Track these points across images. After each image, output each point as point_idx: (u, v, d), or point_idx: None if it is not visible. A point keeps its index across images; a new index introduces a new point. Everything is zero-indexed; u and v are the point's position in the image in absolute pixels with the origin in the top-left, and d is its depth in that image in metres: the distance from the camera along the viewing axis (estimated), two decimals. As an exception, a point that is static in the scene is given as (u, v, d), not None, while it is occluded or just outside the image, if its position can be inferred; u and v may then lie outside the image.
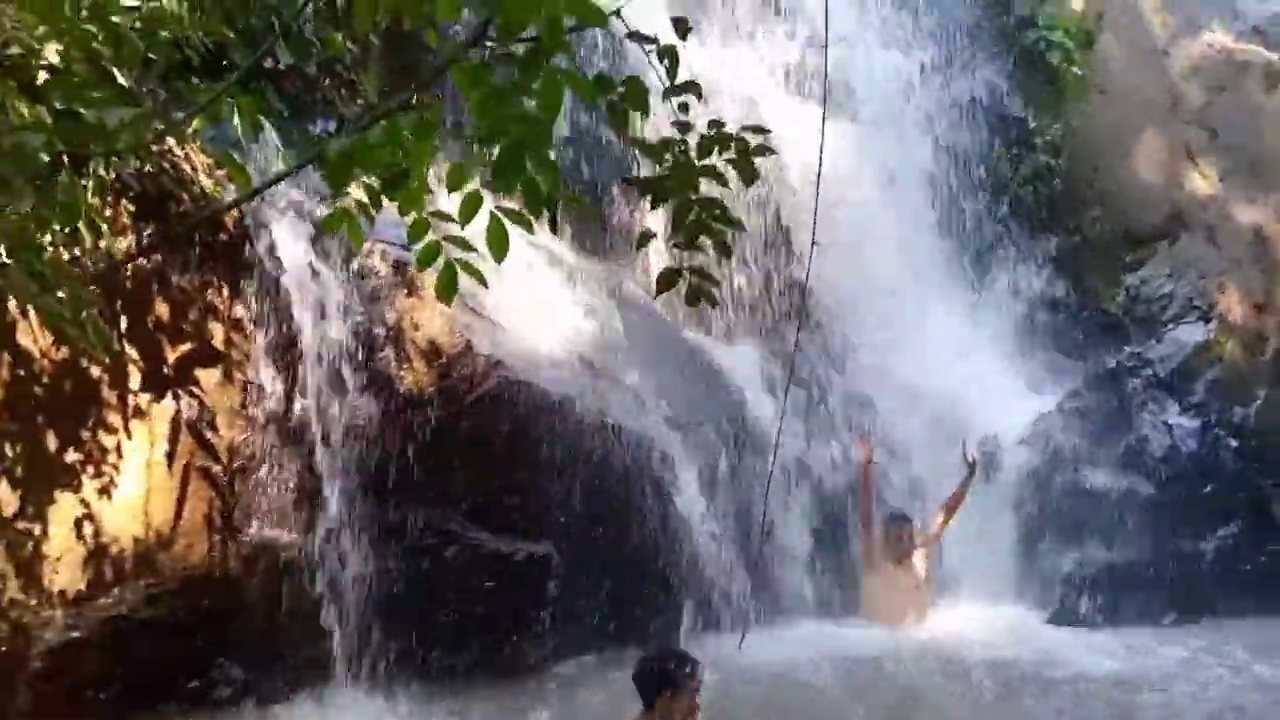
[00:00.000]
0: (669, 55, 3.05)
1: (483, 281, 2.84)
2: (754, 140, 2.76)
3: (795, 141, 8.56)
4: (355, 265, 5.71)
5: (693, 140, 2.90)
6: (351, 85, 6.89)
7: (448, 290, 2.70)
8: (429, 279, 5.77)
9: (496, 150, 2.47)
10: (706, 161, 2.92)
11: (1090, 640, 6.32)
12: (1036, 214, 10.12)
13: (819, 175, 4.40)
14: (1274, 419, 10.15)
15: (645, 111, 2.89)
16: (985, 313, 9.28)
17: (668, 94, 3.07)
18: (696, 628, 6.27)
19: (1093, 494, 7.13)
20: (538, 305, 6.61)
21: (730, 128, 3.17)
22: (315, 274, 5.53)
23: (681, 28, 3.17)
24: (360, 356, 5.61)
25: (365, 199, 2.92)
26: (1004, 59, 10.65)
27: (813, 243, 5.83)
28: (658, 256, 7.83)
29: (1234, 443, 7.36)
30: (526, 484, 5.97)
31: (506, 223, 2.76)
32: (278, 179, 4.62)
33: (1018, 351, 8.99)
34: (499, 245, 2.69)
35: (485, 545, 5.75)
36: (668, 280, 2.97)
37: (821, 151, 5.34)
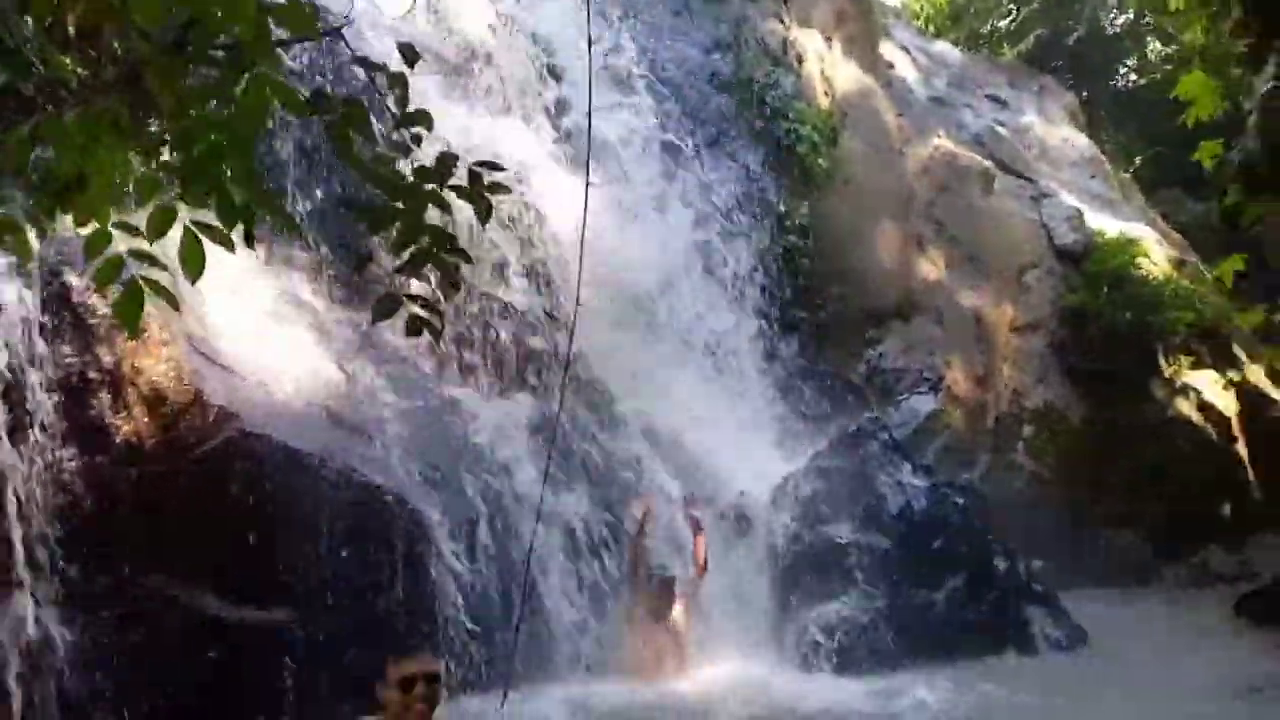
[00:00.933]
0: (399, 83, 2.99)
1: (173, 303, 2.58)
2: (490, 177, 2.71)
3: (564, 207, 8.81)
4: (71, 300, 5.18)
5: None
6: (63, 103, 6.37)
7: (129, 313, 2.41)
8: (155, 321, 5.38)
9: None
10: (430, 187, 2.84)
11: (837, 685, 6.57)
12: (786, 290, 10.76)
13: (583, 231, 4.47)
14: (994, 481, 11.20)
15: (368, 136, 2.80)
16: (739, 377, 9.67)
17: (399, 124, 3.00)
18: (456, 690, 5.96)
19: (837, 549, 7.47)
20: (282, 355, 6.25)
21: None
22: (21, 317, 4.97)
23: (409, 55, 3.12)
24: (69, 402, 5.06)
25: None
26: (757, 148, 11.38)
27: (577, 300, 5.87)
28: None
29: (959, 500, 7.95)
30: (262, 546, 5.53)
31: (208, 246, 2.53)
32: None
33: (769, 414, 9.42)
34: (193, 262, 2.47)
35: (210, 611, 5.25)
36: (385, 310, 2.83)
37: (585, 212, 5.42)
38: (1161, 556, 11.46)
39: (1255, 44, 5.68)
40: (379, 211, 2.98)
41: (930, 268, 12.62)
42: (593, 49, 9.58)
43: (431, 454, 6.69)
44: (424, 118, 3.02)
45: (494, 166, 2.79)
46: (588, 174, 4.10)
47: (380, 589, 5.94)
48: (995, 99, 18.64)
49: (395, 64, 3.14)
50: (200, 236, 2.52)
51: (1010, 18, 25.12)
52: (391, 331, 7.49)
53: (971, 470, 11.12)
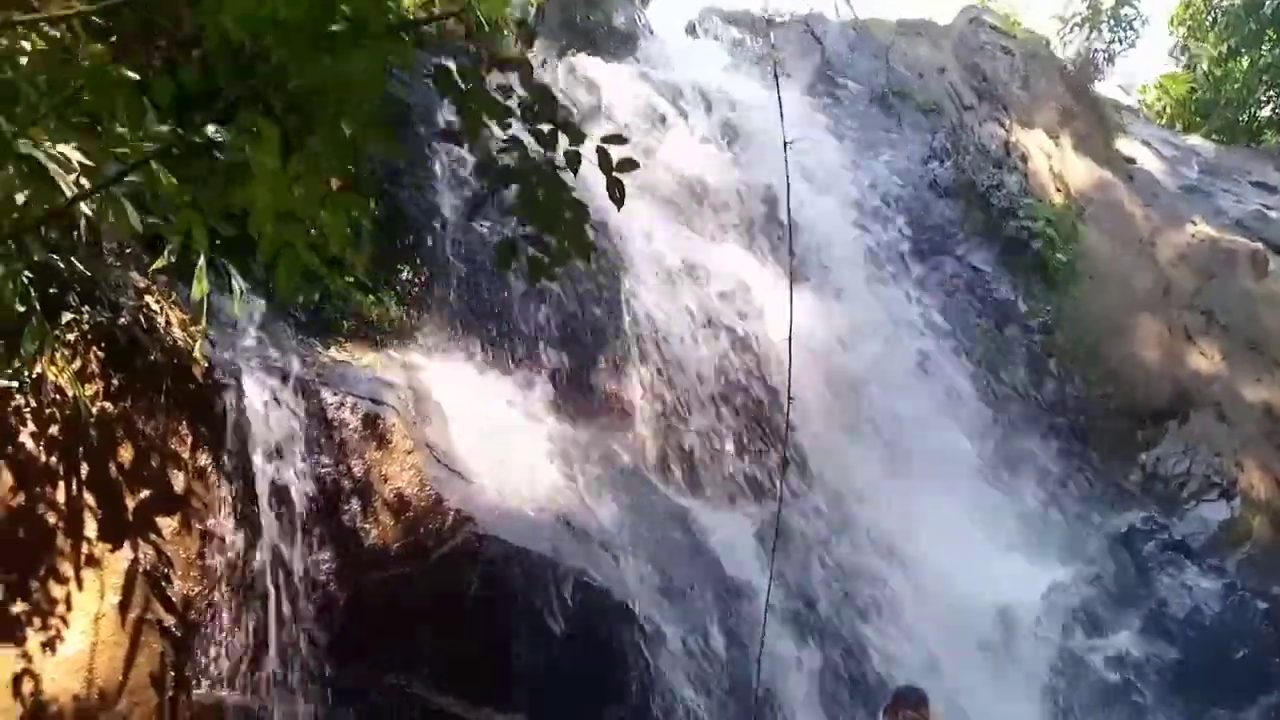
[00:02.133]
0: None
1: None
2: (617, 152, 2.81)
3: (784, 314, 8.82)
4: (327, 417, 5.70)
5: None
6: (339, 262, 7.17)
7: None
8: (399, 432, 5.80)
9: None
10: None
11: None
12: (1035, 391, 10.06)
13: (790, 335, 4.48)
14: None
15: (495, 115, 2.97)
16: (988, 485, 9.01)
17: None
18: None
19: (1118, 663, 6.59)
20: (515, 464, 6.51)
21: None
22: (283, 426, 5.52)
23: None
24: (324, 509, 5.48)
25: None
26: (988, 249, 10.98)
27: (788, 398, 5.79)
28: (644, 426, 7.81)
29: (1265, 606, 6.85)
30: (497, 646, 5.64)
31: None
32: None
33: (1025, 523, 8.65)
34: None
35: (450, 711, 5.35)
36: (505, 257, 2.99)
37: (792, 315, 5.41)
38: None
39: None
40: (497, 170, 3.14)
41: (1204, 360, 11.42)
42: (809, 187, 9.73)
43: (660, 561, 6.65)
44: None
45: (619, 139, 2.89)
46: (791, 260, 4.11)
47: (609, 694, 5.85)
48: (1262, 185, 17.13)
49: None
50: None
51: (1272, 105, 23.34)
52: (623, 446, 7.69)
53: (1283, 583, 9.61)
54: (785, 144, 6.37)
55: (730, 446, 8.01)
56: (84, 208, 4.11)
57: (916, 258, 10.57)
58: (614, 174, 2.91)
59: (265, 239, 2.62)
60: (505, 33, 11.02)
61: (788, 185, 6.16)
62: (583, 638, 5.85)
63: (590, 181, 8.64)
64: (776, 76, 9.56)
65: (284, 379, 5.68)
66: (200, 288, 4.88)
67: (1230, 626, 6.67)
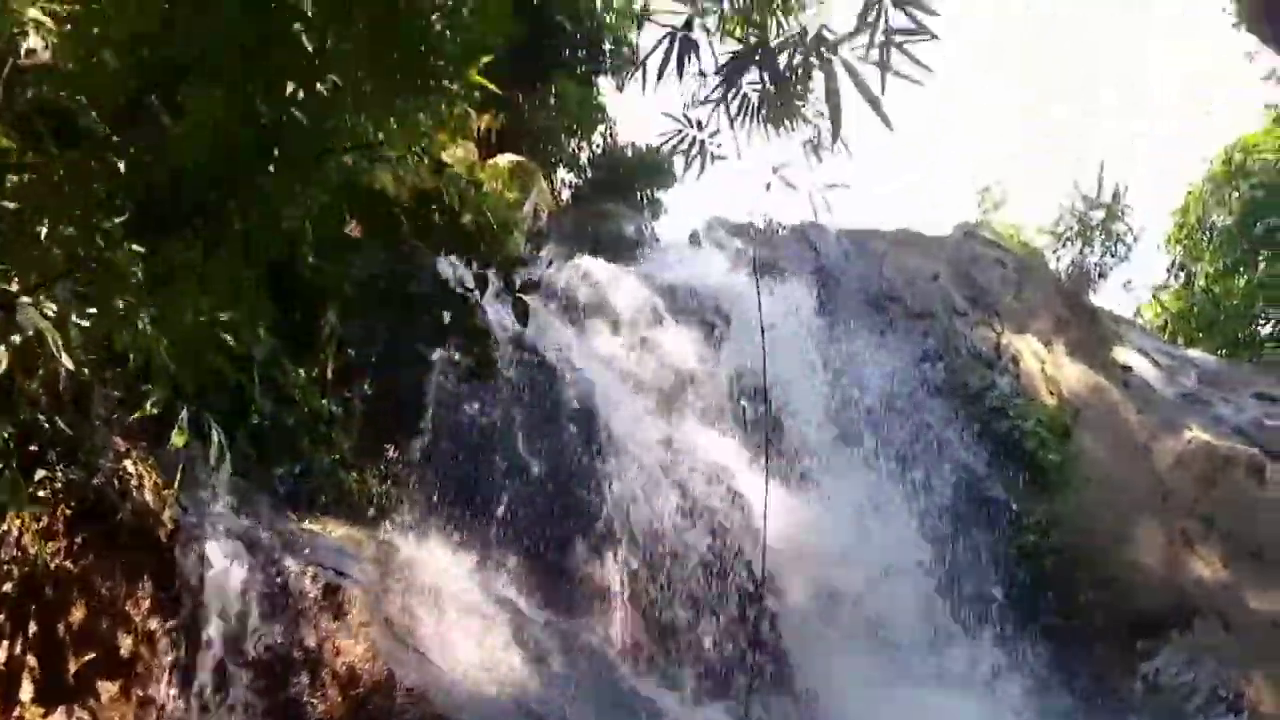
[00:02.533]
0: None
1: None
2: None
3: (774, 515, 8.83)
4: (287, 585, 5.71)
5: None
6: (328, 440, 7.38)
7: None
8: (359, 603, 5.80)
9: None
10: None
11: None
12: (1029, 594, 9.84)
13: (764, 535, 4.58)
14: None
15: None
16: (977, 692, 8.67)
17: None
18: None
19: None
20: (479, 648, 6.41)
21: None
22: (240, 594, 5.54)
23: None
24: (272, 680, 5.40)
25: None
26: (979, 449, 11.05)
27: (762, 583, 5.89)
28: (619, 613, 7.70)
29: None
30: (443, 836, 5.38)
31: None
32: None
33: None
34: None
35: None
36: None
37: (766, 514, 5.54)
38: None
39: None
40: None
41: (1205, 568, 11.17)
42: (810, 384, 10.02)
43: (626, 755, 6.40)
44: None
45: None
46: (766, 443, 4.27)
47: None
48: (1265, 396, 17.25)
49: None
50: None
51: (1274, 321, 23.84)
52: (594, 634, 7.57)
53: (1305, 812, 9.00)
54: (763, 331, 6.65)
55: (708, 639, 7.84)
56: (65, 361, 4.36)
57: (908, 458, 10.63)
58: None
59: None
60: (515, 235, 11.72)
61: (764, 370, 6.38)
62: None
63: (581, 369, 8.85)
64: (756, 267, 9.98)
65: (250, 546, 5.75)
66: (179, 437, 5.06)
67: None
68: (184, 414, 5.74)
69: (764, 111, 5.06)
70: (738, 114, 4.93)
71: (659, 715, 7.02)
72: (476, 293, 8.55)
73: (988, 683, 8.87)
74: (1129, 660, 10.05)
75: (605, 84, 16.46)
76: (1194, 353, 19.43)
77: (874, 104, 4.47)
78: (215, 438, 5.69)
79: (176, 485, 5.59)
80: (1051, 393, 12.49)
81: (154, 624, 5.22)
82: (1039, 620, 9.81)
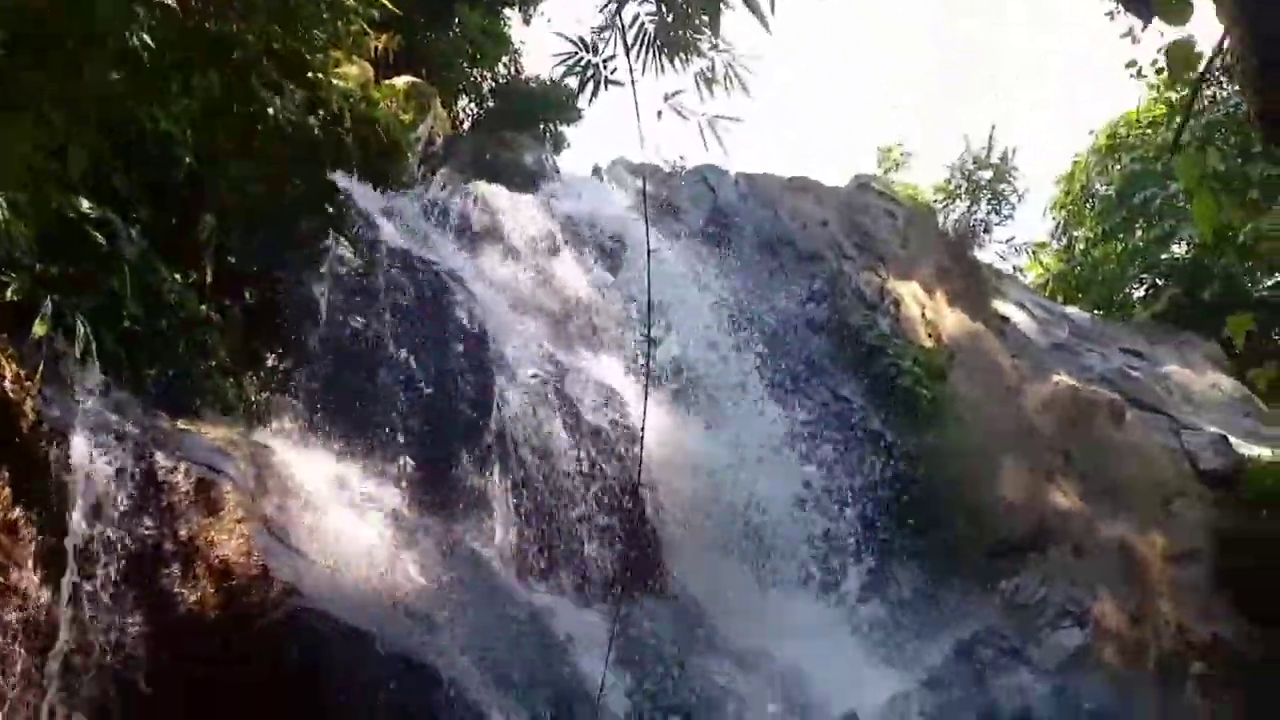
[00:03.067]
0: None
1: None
2: None
3: (657, 432, 9.06)
4: (157, 479, 5.66)
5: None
6: (205, 346, 7.25)
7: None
8: (233, 499, 5.79)
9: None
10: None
11: None
12: (898, 518, 10.35)
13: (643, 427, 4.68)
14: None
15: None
16: (847, 603, 9.14)
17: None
18: None
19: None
20: (358, 549, 6.47)
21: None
22: (107, 486, 5.47)
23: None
24: (142, 572, 5.37)
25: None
26: (858, 382, 11.49)
27: (637, 481, 6.04)
28: (505, 521, 7.85)
29: (1091, 706, 7.02)
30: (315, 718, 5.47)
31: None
32: None
33: (882, 637, 8.77)
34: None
35: (252, 787, 5.14)
36: None
37: (644, 428, 5.68)
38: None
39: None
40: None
41: (1063, 499, 11.90)
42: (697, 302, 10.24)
43: (498, 652, 6.57)
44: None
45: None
46: (649, 360, 4.37)
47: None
48: (1131, 351, 18.26)
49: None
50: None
51: (1146, 286, 25.05)
52: (479, 541, 7.70)
53: (1137, 711, 9.76)
54: (649, 253, 6.79)
55: (591, 548, 8.05)
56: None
57: (789, 387, 10.99)
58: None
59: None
60: (408, 156, 11.57)
61: (649, 293, 6.54)
62: (406, 716, 5.70)
63: (472, 290, 8.86)
64: (645, 194, 10.11)
65: (118, 440, 5.66)
66: (41, 327, 4.95)
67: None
68: (48, 304, 5.62)
69: (659, 41, 5.16)
70: (634, 43, 5.02)
71: (540, 616, 7.22)
72: (363, 206, 8.50)
73: (858, 596, 9.33)
74: (989, 580, 10.69)
75: (513, 16, 16.28)
76: (1070, 309, 20.39)
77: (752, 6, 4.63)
78: (81, 329, 5.60)
79: (39, 377, 5.45)
80: (930, 335, 13.03)
81: (16, 513, 5.12)
82: (908, 542, 10.34)
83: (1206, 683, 10.26)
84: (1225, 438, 12.87)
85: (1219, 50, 3.49)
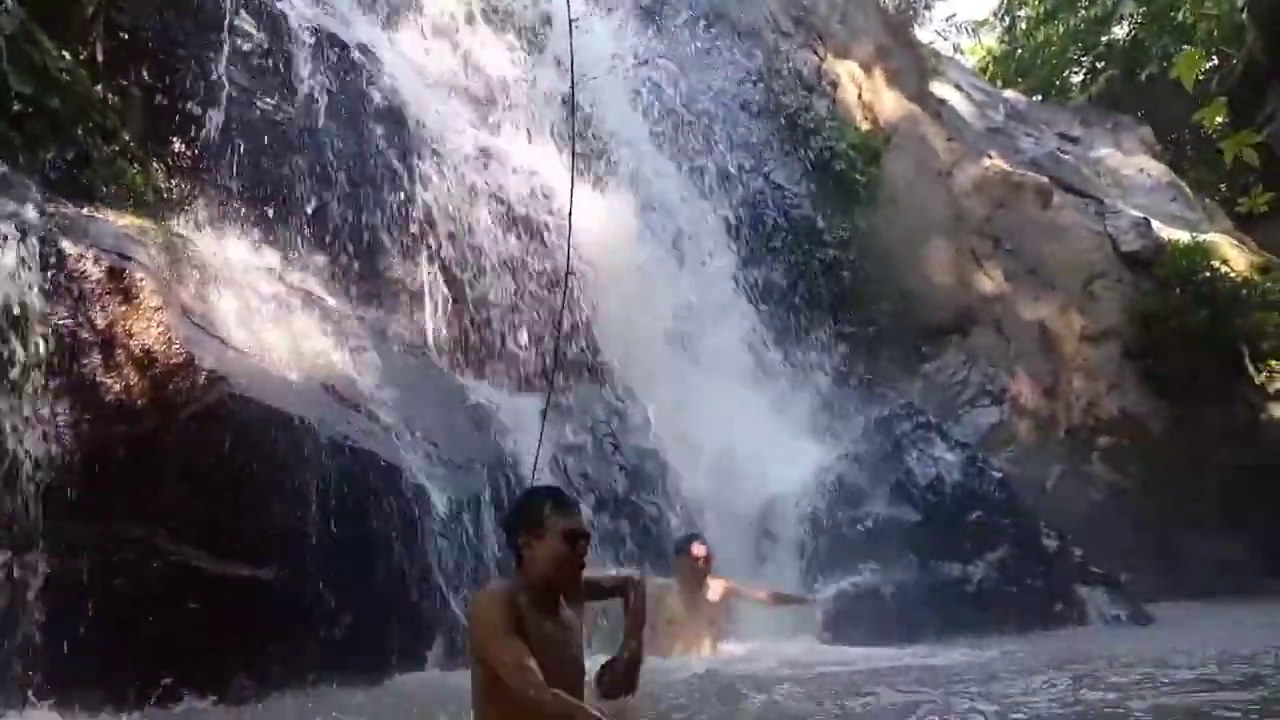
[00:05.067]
0: None
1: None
2: None
3: (588, 221, 8.92)
4: (66, 268, 5.43)
5: None
6: (104, 128, 6.82)
7: None
8: (148, 288, 5.60)
9: None
10: None
11: (861, 654, 6.08)
12: (828, 302, 10.55)
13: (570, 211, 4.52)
14: (1069, 493, 10.51)
15: None
16: (775, 386, 9.42)
17: None
18: (447, 663, 5.80)
19: (864, 524, 7.09)
20: (284, 338, 6.38)
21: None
22: (14, 276, 5.23)
23: None
24: (60, 362, 5.25)
25: None
26: (791, 167, 11.37)
27: (566, 283, 5.91)
28: (432, 310, 7.79)
29: (998, 474, 7.48)
30: (249, 505, 5.54)
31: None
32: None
33: (808, 420, 9.12)
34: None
35: (192, 563, 5.25)
36: None
37: (572, 191, 5.47)
38: (1269, 569, 10.44)
39: None
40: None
41: (988, 282, 12.21)
42: (628, 78, 9.82)
43: (433, 434, 6.68)
44: None
45: None
46: (573, 141, 4.15)
47: (373, 556, 5.86)
48: (1065, 135, 18.28)
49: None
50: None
51: (1084, 70, 24.78)
52: (408, 329, 7.65)
53: (1045, 479, 10.48)
54: (571, 21, 6.42)
55: (523, 335, 8.08)
56: None
57: (722, 172, 10.83)
58: None
59: None
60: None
61: (571, 68, 6.24)
62: (345, 501, 5.82)
63: (390, 69, 8.37)
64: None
65: (21, 228, 5.38)
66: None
67: (967, 492, 7.25)
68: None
69: None
70: None
71: (468, 399, 7.31)
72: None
73: (785, 381, 9.61)
74: (913, 362, 11.10)
75: None
76: (1008, 92, 20.17)
77: None
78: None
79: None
80: (866, 119, 12.84)
81: (-84, 302, 4.90)
82: (836, 326, 10.58)
83: (1111, 454, 10.98)
84: (1147, 220, 13.17)
85: None
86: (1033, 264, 12.57)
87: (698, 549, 6.65)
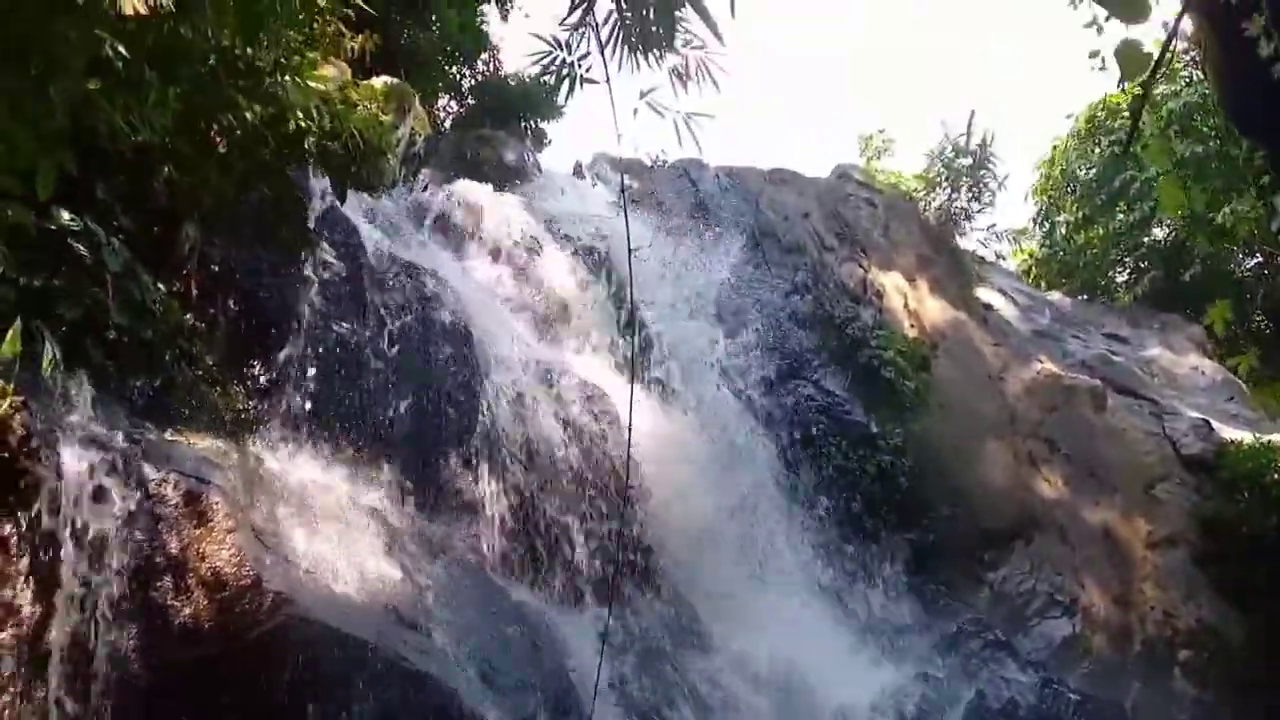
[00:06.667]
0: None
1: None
2: None
3: (639, 429, 9.10)
4: (147, 492, 5.66)
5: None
6: (190, 354, 7.24)
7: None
8: (222, 510, 5.80)
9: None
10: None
11: None
12: (884, 510, 10.44)
13: (630, 423, 4.72)
14: (1153, 711, 9.91)
15: None
16: (835, 599, 9.22)
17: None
18: None
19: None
20: (347, 556, 6.49)
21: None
22: (97, 499, 5.47)
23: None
24: (134, 586, 5.38)
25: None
26: (842, 375, 11.56)
27: (627, 484, 6.07)
28: (492, 525, 7.87)
29: (1075, 697, 7.12)
30: (308, 730, 5.49)
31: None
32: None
33: (871, 634, 8.85)
34: None
35: (248, 792, 5.17)
36: None
37: (631, 427, 5.71)
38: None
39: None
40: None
41: (1047, 486, 12.04)
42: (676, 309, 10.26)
43: (491, 655, 6.61)
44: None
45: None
46: (634, 352, 4.39)
47: (428, 784, 5.71)
48: (1113, 336, 18.41)
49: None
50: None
51: (1128, 270, 25.17)
52: (466, 543, 7.72)
53: (1124, 699, 9.91)
54: (630, 251, 6.86)
55: (581, 551, 8.09)
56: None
57: (774, 381, 11.05)
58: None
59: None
60: (389, 158, 11.51)
61: (630, 286, 6.54)
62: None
63: (458, 291, 8.84)
64: (624, 191, 10.12)
65: (107, 453, 5.66)
66: (11, 347, 4.95)
67: (1043, 716, 6.89)
68: (18, 323, 5.60)
69: (632, 39, 5.20)
70: (608, 40, 5.07)
71: (527, 617, 7.26)
72: (345, 211, 8.48)
73: (845, 592, 9.41)
74: (976, 570, 10.81)
75: (490, 11, 16.21)
76: (1052, 295, 20.50)
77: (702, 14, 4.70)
78: (48, 347, 5.58)
79: (11, 385, 5.43)
80: (912, 325, 13.12)
81: (7, 529, 5.11)
82: (894, 534, 10.43)
83: (1192, 668, 10.42)
84: (1207, 422, 13.03)
85: (1165, 51, 3.54)
86: (1092, 467, 12.40)
87: None
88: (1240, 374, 5.63)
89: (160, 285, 7.28)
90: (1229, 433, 13.13)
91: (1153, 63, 3.54)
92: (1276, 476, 11.70)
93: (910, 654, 8.15)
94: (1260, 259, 22.52)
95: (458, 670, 6.25)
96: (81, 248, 6.71)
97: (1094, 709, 7.17)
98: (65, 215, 6.59)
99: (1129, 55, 3.47)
